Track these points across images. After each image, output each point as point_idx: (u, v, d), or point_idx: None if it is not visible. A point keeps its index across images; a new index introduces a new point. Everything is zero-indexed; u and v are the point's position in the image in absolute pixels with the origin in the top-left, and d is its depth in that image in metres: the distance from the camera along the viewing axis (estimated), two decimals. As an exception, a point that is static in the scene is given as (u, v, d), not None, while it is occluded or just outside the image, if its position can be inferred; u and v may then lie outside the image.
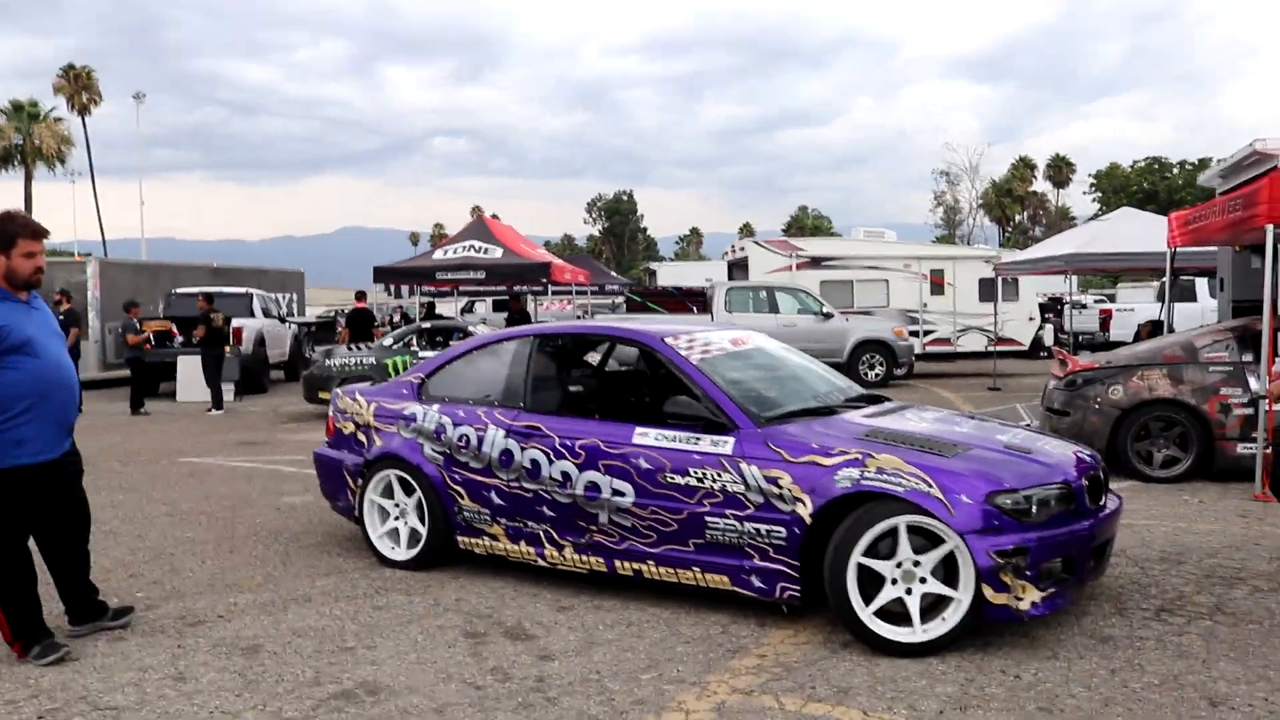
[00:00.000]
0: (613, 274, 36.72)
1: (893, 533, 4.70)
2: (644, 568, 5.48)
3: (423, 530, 6.35)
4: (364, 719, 4.10)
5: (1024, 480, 4.74)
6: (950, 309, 21.09)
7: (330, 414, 7.20)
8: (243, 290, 21.68)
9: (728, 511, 5.13)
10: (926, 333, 21.01)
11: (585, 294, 27.20)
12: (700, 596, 5.43)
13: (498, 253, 19.96)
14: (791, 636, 4.95)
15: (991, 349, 20.56)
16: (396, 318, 31.42)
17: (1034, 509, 4.66)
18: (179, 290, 21.22)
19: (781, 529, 4.97)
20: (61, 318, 16.67)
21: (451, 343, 14.02)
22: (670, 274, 33.75)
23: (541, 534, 5.88)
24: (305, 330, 22.37)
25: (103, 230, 54.77)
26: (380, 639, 5.07)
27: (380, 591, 5.90)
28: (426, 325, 16.59)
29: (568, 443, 5.76)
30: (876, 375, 18.53)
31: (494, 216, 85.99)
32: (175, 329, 19.52)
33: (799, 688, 4.32)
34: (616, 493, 5.51)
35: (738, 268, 23.19)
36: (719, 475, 5.17)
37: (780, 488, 4.98)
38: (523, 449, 5.93)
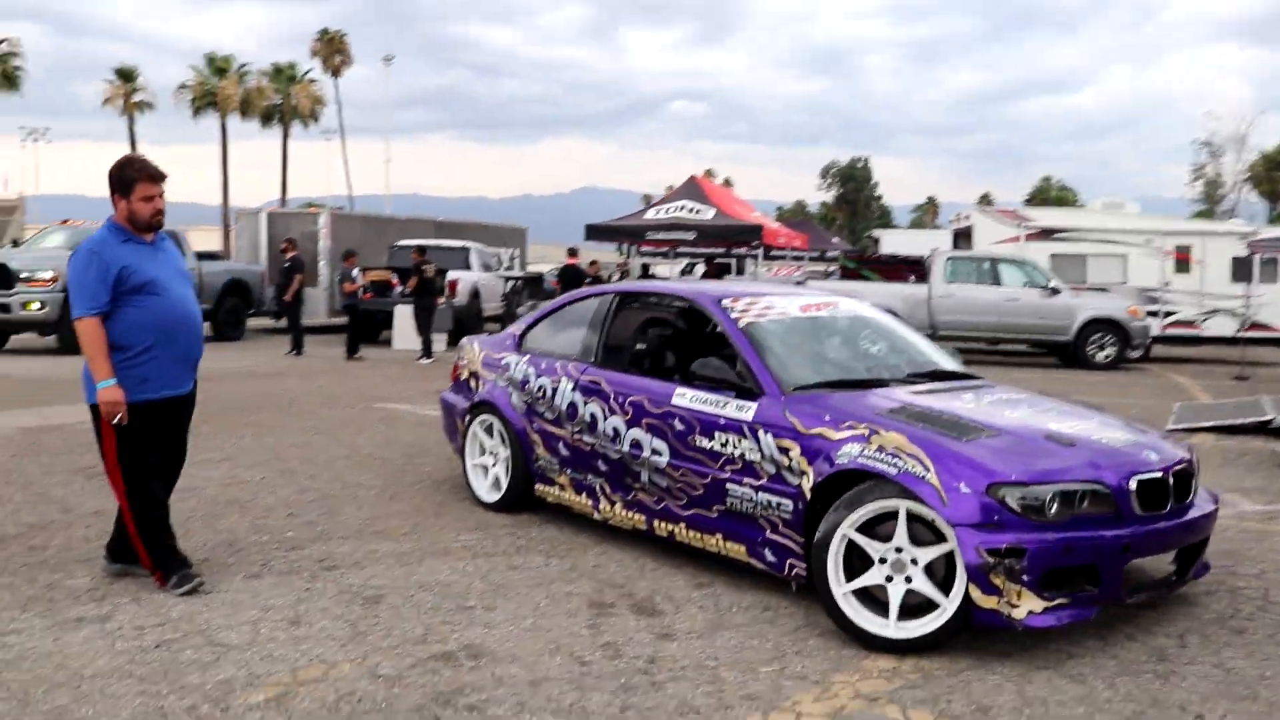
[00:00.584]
0: (834, 239, 35.79)
1: (889, 516, 4.32)
2: (676, 530, 5.42)
3: (507, 474, 6.54)
4: (456, 684, 3.89)
5: (1041, 474, 4.19)
6: (1197, 289, 19.23)
7: (455, 360, 7.46)
8: (460, 244, 22.25)
9: (745, 480, 4.99)
10: (1167, 314, 19.21)
11: (802, 259, 26.60)
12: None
13: (709, 214, 19.70)
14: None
15: (1242, 335, 18.64)
16: (617, 276, 31.69)
17: (1050, 507, 4.11)
18: (400, 242, 21.97)
19: (789, 502, 4.76)
20: (287, 265, 17.54)
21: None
22: (895, 242, 32.53)
23: (597, 487, 5.93)
24: (512, 284, 22.74)
25: (350, 185, 57.87)
26: (503, 600, 4.87)
27: (520, 550, 5.72)
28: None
29: (620, 399, 5.78)
30: (1106, 357, 17.12)
31: (726, 182, 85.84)
32: (395, 279, 20.22)
33: (931, 700, 3.80)
34: (655, 452, 5.48)
35: (963, 237, 21.98)
36: (739, 441, 5.03)
37: (790, 459, 4.77)
38: (585, 403, 6.00)
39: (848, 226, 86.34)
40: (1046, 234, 19.90)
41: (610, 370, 6.06)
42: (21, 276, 16.29)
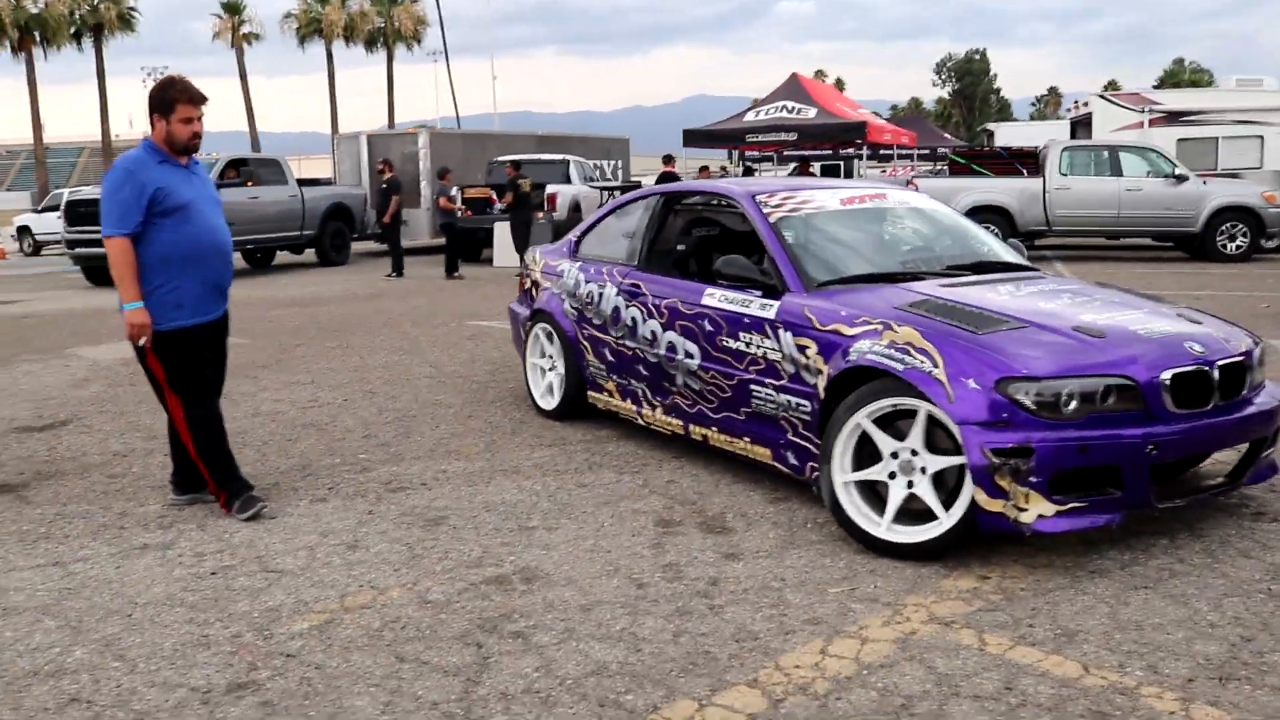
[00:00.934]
0: (946, 135, 34.40)
1: (901, 415, 4.10)
2: (709, 434, 5.30)
3: (561, 382, 6.57)
4: (505, 609, 3.72)
5: (1058, 368, 3.85)
6: (1345, 169, 17.81)
7: (521, 269, 7.51)
8: (560, 157, 21.98)
9: (767, 380, 4.83)
10: (1309, 198, 17.87)
11: (910, 157, 25.63)
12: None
13: (811, 113, 19.02)
14: (1028, 557, 4.06)
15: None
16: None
17: (1067, 404, 3.79)
18: (499, 159, 21.78)
19: (807, 402, 4.58)
20: (384, 186, 17.52)
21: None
22: (1011, 135, 31.08)
23: (640, 392, 5.86)
24: (610, 196, 22.38)
25: (456, 106, 57.34)
26: (567, 520, 4.69)
27: (593, 468, 5.53)
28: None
29: (657, 302, 5.66)
30: (1238, 248, 15.95)
31: (837, 82, 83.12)
32: (495, 196, 20.09)
33: (1013, 623, 3.47)
34: (688, 354, 5.36)
35: (1082, 126, 20.80)
36: (762, 341, 4.86)
37: (807, 357, 4.58)
38: (627, 307, 5.90)
39: (965, 123, 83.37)
40: (1173, 118, 18.62)
41: (650, 273, 5.93)
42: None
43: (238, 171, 18.11)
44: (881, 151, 24.40)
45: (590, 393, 6.37)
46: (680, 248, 6.35)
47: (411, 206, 21.22)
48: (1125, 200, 16.22)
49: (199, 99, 4.69)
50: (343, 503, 5.06)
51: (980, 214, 16.74)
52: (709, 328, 5.20)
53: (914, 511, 4.09)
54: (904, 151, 23.29)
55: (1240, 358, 4.21)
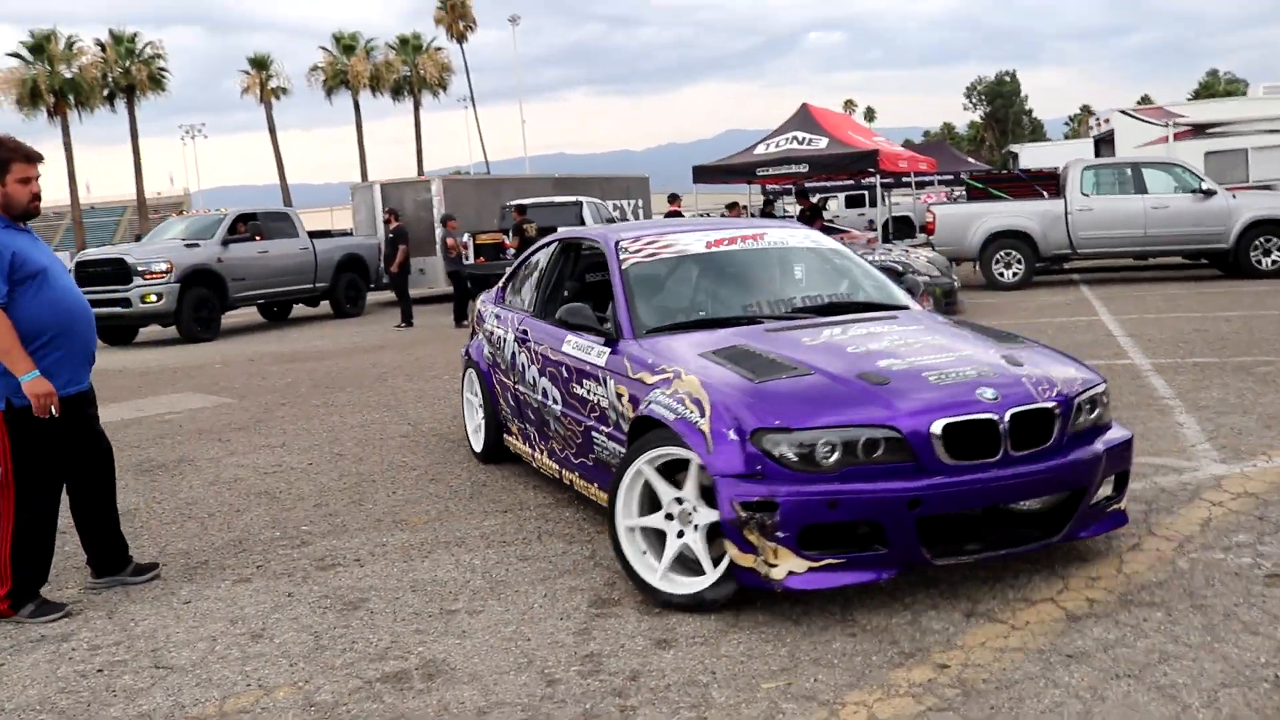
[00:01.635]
0: (969, 160, 33.75)
1: (684, 465, 4.02)
2: (574, 480, 5.30)
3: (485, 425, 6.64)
4: (394, 713, 3.28)
5: (818, 420, 3.70)
6: (1384, 177, 17.02)
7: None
8: (573, 199, 21.67)
9: (601, 427, 4.85)
10: (1347, 209, 17.08)
11: (930, 183, 25.10)
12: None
13: (822, 143, 18.56)
14: (1001, 638, 3.55)
15: None
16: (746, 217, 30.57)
17: (827, 456, 3.65)
18: (511, 203, 21.53)
19: (624, 450, 4.50)
20: (391, 235, 17.28)
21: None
22: (1035, 156, 30.40)
23: (532, 436, 5.89)
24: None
25: (484, 150, 57.85)
26: (494, 601, 4.25)
27: (542, 537, 5.10)
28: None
29: (537, 348, 5.69)
30: (1274, 263, 15.23)
31: (867, 112, 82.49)
32: (506, 240, 19.79)
33: (964, 728, 2.97)
34: (553, 400, 5.41)
35: (1105, 144, 20.14)
36: (596, 388, 4.89)
37: (623, 405, 4.59)
38: (519, 352, 5.97)
39: (998, 145, 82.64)
40: (1199, 130, 17.94)
41: (538, 319, 5.93)
42: (138, 270, 16.45)
43: (246, 226, 17.97)
44: (903, 180, 23.89)
45: (505, 436, 6.41)
46: (565, 294, 6.20)
47: (427, 255, 20.99)
48: (1151, 218, 15.57)
49: (35, 157, 4.33)
50: (266, 583, 4.67)
51: (1001, 239, 16.20)
52: (565, 374, 5.25)
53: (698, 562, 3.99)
54: (923, 178, 22.78)
55: (1051, 404, 3.85)
